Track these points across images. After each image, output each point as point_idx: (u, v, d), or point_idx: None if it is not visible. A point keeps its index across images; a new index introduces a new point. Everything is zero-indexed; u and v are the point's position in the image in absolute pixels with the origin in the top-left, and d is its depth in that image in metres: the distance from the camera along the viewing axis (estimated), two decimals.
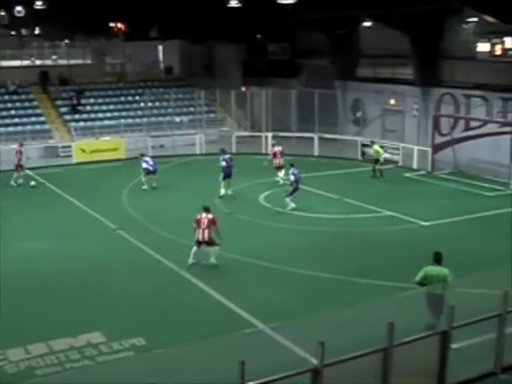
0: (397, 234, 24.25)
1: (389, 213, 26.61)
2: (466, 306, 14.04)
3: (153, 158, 32.30)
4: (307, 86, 42.59)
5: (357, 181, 32.98)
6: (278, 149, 32.46)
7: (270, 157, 32.65)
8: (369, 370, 11.96)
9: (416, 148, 35.93)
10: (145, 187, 30.83)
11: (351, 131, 42.13)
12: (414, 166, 35.28)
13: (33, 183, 31.82)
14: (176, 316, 16.96)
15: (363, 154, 38.09)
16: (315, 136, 39.04)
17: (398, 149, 36.70)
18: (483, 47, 32.78)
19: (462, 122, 36.79)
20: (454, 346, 12.96)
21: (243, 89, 44.17)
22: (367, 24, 40.88)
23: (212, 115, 44.62)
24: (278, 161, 31.85)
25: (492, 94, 35.14)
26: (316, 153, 38.58)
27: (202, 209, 20.63)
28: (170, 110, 43.45)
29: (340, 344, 12.12)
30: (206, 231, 20.19)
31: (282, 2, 34.81)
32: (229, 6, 36.82)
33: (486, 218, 26.23)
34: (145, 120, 42.61)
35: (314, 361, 11.26)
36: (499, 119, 34.87)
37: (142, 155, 31.99)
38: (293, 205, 26.80)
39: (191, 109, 44.09)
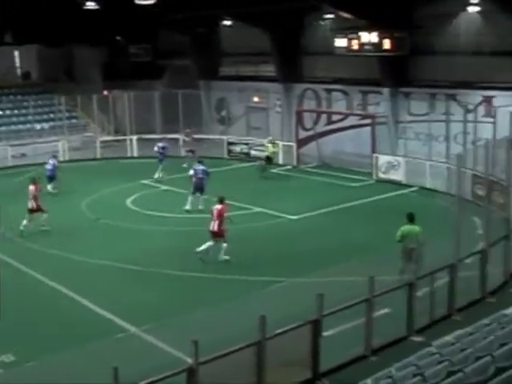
0: (266, 229, 24.45)
1: (257, 209, 26.80)
2: (336, 294, 14.36)
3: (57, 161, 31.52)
4: (170, 87, 42.44)
5: (224, 179, 33.06)
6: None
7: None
8: (245, 363, 12.00)
9: (281, 144, 36.45)
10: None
11: (217, 130, 42.27)
12: (280, 161, 35.75)
13: None
14: (46, 327, 16.33)
15: (229, 152, 38.34)
16: (180, 137, 38.95)
17: (263, 145, 37.06)
18: (341, 43, 33.54)
19: (324, 116, 37.62)
20: (325, 333, 13.20)
21: (105, 92, 43.45)
22: (228, 23, 41.07)
23: (74, 121, 43.59)
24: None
25: (351, 88, 36.08)
26: (182, 153, 38.48)
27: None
28: (29, 118, 42.17)
29: (216, 341, 12.13)
30: (216, 222, 20.47)
31: (140, 3, 34.52)
32: (86, 7, 36.26)
33: (351, 208, 26.88)
34: (3, 128, 41.11)
35: (189, 360, 11.19)
36: (359, 112, 35.86)
37: (54, 157, 31.48)
38: (187, 207, 26.59)
39: (52, 115, 42.86)
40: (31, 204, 24.06)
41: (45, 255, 21.77)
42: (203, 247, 20.54)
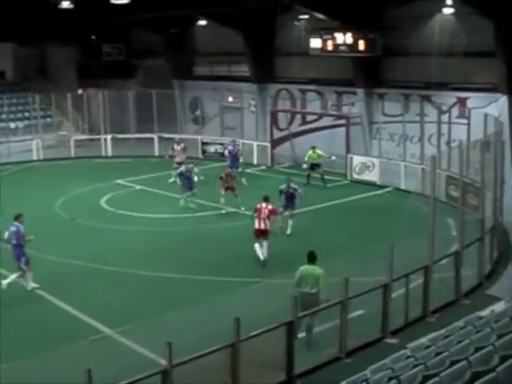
0: (239, 229, 24.31)
1: (231, 209, 26.73)
2: None
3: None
4: (144, 86, 42.22)
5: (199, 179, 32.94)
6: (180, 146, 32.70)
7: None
8: (219, 365, 11.98)
9: (255, 144, 36.47)
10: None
11: (191, 130, 42.17)
12: (255, 161, 35.75)
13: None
14: (18, 329, 16.16)
15: (204, 152, 38.27)
16: (155, 136, 38.79)
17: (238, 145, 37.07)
18: (315, 43, 33.55)
19: (298, 117, 37.64)
20: (300, 335, 13.20)
21: (80, 91, 43.20)
22: (202, 23, 40.94)
23: (48, 119, 43.23)
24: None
25: (326, 88, 36.10)
26: (157, 153, 38.34)
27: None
28: (3, 116, 41.78)
29: (190, 343, 12.07)
30: (267, 221, 20.53)
31: (115, 3, 34.34)
32: (60, 7, 35.93)
33: (325, 209, 26.93)
34: None
35: (163, 362, 11.14)
36: (334, 112, 35.91)
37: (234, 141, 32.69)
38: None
39: (26, 114, 42.63)
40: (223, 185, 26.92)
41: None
42: (261, 255, 20.38)
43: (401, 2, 31.41)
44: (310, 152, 31.64)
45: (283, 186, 24.20)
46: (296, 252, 20.74)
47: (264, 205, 20.81)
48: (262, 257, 20.33)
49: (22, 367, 12.44)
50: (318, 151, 31.59)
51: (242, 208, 26.24)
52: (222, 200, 26.70)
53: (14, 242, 18.67)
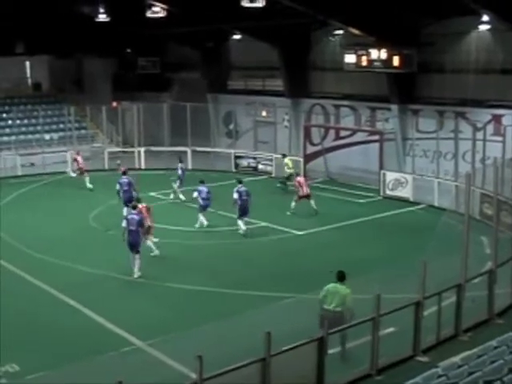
0: (272, 244, 24.40)
1: (263, 223, 26.72)
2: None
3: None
4: (179, 99, 42.47)
5: (230, 193, 32.97)
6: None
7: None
8: (250, 379, 11.93)
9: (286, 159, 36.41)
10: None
11: (224, 144, 42.33)
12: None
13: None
14: (51, 339, 16.32)
15: (237, 165, 38.34)
16: (188, 149, 38.95)
17: (271, 160, 37.13)
18: (350, 59, 33.58)
19: (332, 132, 37.62)
20: (331, 351, 13.12)
21: (114, 104, 43.56)
22: (237, 37, 41.16)
23: (83, 131, 43.72)
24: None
25: (360, 104, 36.10)
26: (190, 166, 38.46)
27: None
28: (39, 128, 42.29)
29: (221, 356, 12.06)
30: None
31: (151, 16, 34.74)
32: (97, 20, 36.41)
33: (358, 225, 26.81)
34: (13, 138, 41.27)
35: (194, 375, 11.13)
36: (367, 128, 35.84)
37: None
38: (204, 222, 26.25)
39: (61, 125, 43.09)
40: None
41: (53, 266, 21.77)
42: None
43: (437, 18, 31.36)
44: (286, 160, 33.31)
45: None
46: (328, 268, 20.74)
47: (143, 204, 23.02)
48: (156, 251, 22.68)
49: (54, 377, 12.52)
50: (286, 159, 33.58)
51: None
52: (293, 204, 28.27)
53: (133, 228, 20.65)
